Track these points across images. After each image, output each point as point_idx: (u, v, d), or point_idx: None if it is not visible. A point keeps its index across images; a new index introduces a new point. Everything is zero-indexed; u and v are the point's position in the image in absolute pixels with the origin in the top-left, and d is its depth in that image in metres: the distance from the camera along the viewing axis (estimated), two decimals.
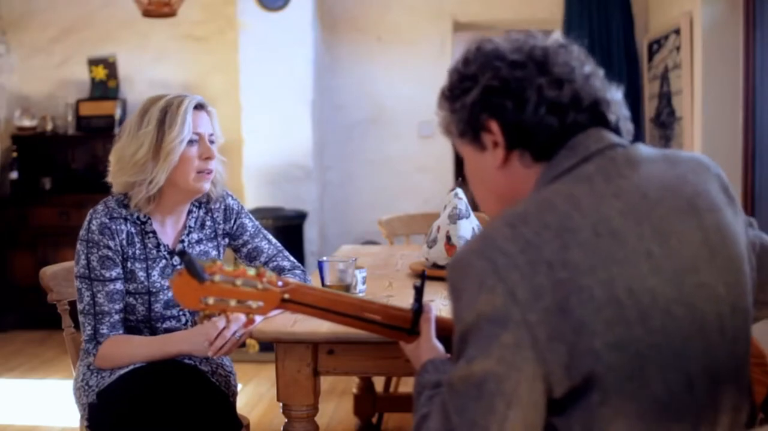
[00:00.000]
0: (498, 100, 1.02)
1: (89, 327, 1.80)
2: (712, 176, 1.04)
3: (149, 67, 5.14)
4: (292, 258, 2.06)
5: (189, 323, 1.92)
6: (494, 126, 1.03)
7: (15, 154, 5.02)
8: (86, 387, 1.80)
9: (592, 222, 0.91)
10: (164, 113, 1.78)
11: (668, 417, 0.92)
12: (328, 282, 1.84)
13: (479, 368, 0.89)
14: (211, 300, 1.13)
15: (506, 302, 0.88)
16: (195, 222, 1.95)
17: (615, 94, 1.06)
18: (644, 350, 0.89)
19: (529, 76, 1.01)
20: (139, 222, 1.85)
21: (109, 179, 1.85)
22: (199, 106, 1.85)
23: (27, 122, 5.10)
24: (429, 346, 1.22)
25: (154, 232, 1.87)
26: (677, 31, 4.00)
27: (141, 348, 1.79)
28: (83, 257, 1.80)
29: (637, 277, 0.90)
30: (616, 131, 1.05)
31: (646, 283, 0.90)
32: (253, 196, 4.65)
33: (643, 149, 1.03)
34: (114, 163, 1.83)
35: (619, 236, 0.91)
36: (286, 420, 1.67)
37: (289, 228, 4.43)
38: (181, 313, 1.90)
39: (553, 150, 1.01)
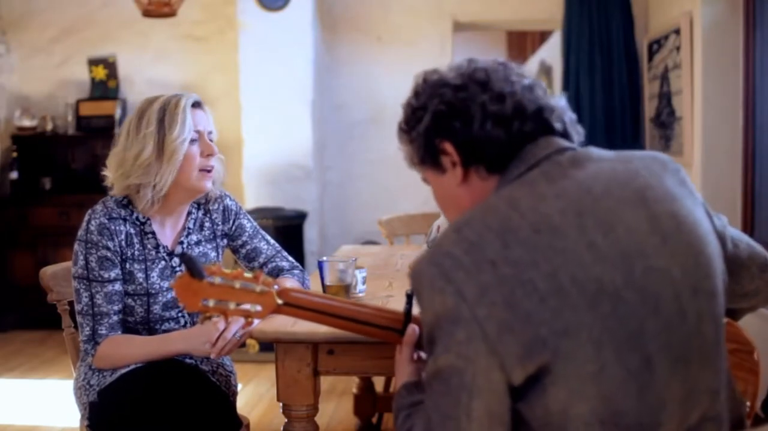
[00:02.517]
0: (447, 122, 1.10)
1: (87, 328, 1.80)
2: (669, 171, 1.09)
3: (149, 67, 5.14)
4: (290, 258, 2.06)
5: (188, 324, 1.92)
6: (449, 147, 1.10)
7: (15, 154, 5.02)
8: (87, 386, 1.80)
9: (531, 222, 0.97)
10: (163, 113, 1.79)
11: (631, 398, 0.95)
12: (328, 282, 1.84)
13: (443, 363, 0.97)
14: (211, 303, 1.17)
15: (456, 301, 0.95)
16: (194, 224, 1.95)
17: (558, 102, 1.13)
18: (597, 334, 0.93)
19: (472, 95, 1.09)
20: (138, 223, 1.85)
21: (109, 183, 1.84)
22: (196, 104, 1.86)
23: (27, 122, 5.10)
24: (404, 368, 1.25)
25: (153, 233, 1.87)
26: (677, 31, 4.00)
27: (139, 348, 1.79)
28: (81, 257, 1.79)
29: (580, 266, 0.95)
30: (566, 135, 1.11)
31: (590, 271, 0.95)
32: (253, 196, 4.65)
33: (594, 151, 1.09)
34: (115, 167, 1.82)
35: (558, 231, 0.96)
36: (286, 420, 1.67)
37: (289, 228, 4.43)
38: (180, 314, 1.90)
39: (505, 161, 1.08)
